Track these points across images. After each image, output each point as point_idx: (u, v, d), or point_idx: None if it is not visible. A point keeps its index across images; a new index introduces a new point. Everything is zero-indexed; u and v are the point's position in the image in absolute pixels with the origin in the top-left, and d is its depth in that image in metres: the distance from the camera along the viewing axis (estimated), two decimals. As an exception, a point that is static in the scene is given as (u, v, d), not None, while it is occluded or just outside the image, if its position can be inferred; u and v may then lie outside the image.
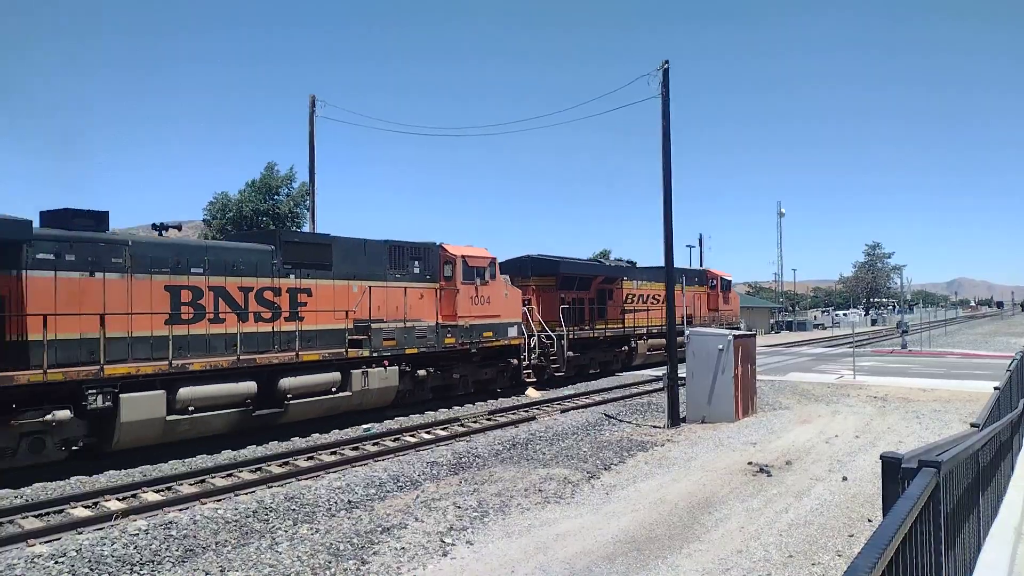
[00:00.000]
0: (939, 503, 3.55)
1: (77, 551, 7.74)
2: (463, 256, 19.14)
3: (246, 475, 11.38)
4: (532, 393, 20.65)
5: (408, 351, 16.96)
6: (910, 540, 2.86)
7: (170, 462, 12.31)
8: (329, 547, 7.88)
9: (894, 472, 3.76)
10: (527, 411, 17.61)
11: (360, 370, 15.72)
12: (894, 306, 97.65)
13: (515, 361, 20.79)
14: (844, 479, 10.46)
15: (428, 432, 14.96)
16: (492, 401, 19.47)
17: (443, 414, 17.37)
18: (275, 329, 14.65)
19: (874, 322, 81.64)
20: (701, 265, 51.02)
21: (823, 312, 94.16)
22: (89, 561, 7.50)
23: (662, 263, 17.45)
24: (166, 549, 7.95)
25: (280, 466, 11.99)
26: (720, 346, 15.91)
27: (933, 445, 4.83)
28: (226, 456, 12.82)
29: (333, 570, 7.29)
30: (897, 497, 3.24)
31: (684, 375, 16.73)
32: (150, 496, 10.17)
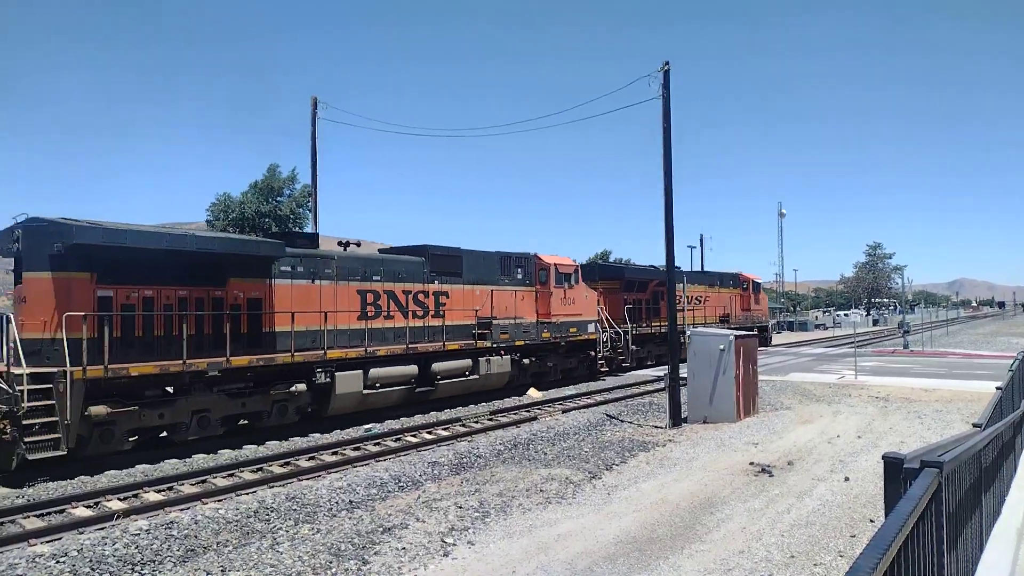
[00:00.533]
0: (941, 503, 3.54)
1: (78, 551, 7.74)
2: (555, 264, 22.56)
3: (247, 475, 11.39)
4: (533, 393, 20.65)
5: (517, 343, 20.76)
6: (912, 540, 2.86)
7: (171, 461, 12.33)
8: (330, 547, 7.89)
9: (896, 472, 3.76)
10: (528, 411, 17.60)
11: (485, 358, 19.36)
12: (895, 306, 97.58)
13: (592, 353, 24.13)
14: (846, 479, 10.45)
15: (430, 432, 14.96)
16: (499, 400, 19.51)
17: (446, 414, 17.37)
18: (425, 324, 18.23)
19: (875, 322, 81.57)
20: (702, 266, 51.19)
21: (824, 312, 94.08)
22: (90, 561, 7.50)
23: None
24: (167, 549, 7.95)
25: (281, 466, 12.00)
26: (721, 346, 15.90)
27: (935, 445, 4.82)
28: (227, 456, 12.83)
29: (334, 570, 7.29)
30: (899, 497, 3.23)
31: (685, 375, 16.72)
32: (151, 496, 10.17)
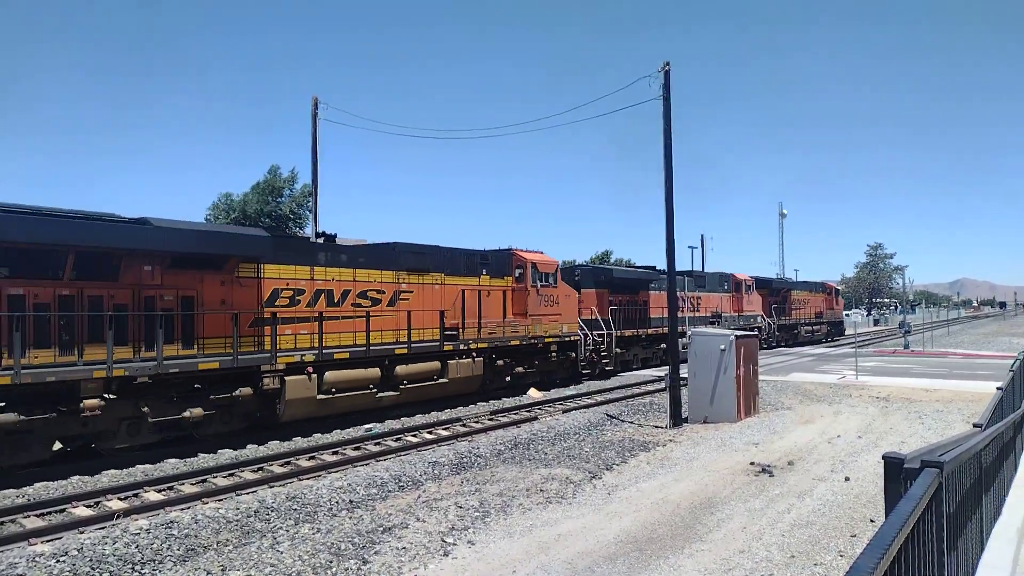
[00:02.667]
0: (941, 503, 3.54)
1: (79, 550, 7.74)
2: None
3: (247, 475, 11.38)
4: (534, 393, 20.64)
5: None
6: (912, 540, 2.86)
7: (171, 461, 12.33)
8: (330, 547, 7.89)
9: (896, 472, 3.75)
10: (529, 411, 17.59)
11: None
12: (896, 306, 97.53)
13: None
14: (846, 479, 10.44)
15: (430, 432, 14.96)
16: (494, 402, 19.49)
17: (446, 414, 17.37)
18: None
19: (876, 322, 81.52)
20: (703, 267, 51.31)
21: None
22: (91, 560, 7.50)
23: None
24: (167, 548, 7.95)
25: (282, 466, 12.00)
26: (722, 346, 15.89)
27: (936, 445, 4.82)
28: (227, 456, 12.83)
29: (334, 569, 7.29)
30: (899, 497, 3.23)
31: (686, 375, 16.71)
32: (151, 496, 10.17)
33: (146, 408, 12.26)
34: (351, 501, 9.85)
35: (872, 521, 8.36)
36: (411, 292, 17.68)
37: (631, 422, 16.30)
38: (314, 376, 14.59)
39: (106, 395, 11.78)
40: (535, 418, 16.62)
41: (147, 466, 12.01)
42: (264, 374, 13.74)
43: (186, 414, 12.72)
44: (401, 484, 10.76)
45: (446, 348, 17.90)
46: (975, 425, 6.51)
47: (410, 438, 14.31)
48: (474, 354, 18.72)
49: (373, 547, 7.90)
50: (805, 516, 8.74)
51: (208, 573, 7.27)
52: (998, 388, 8.70)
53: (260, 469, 11.73)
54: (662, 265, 21.39)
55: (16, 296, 11.17)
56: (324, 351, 14.85)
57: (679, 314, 26.82)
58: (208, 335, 13.43)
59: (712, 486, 10.25)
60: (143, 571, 7.41)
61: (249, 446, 13.62)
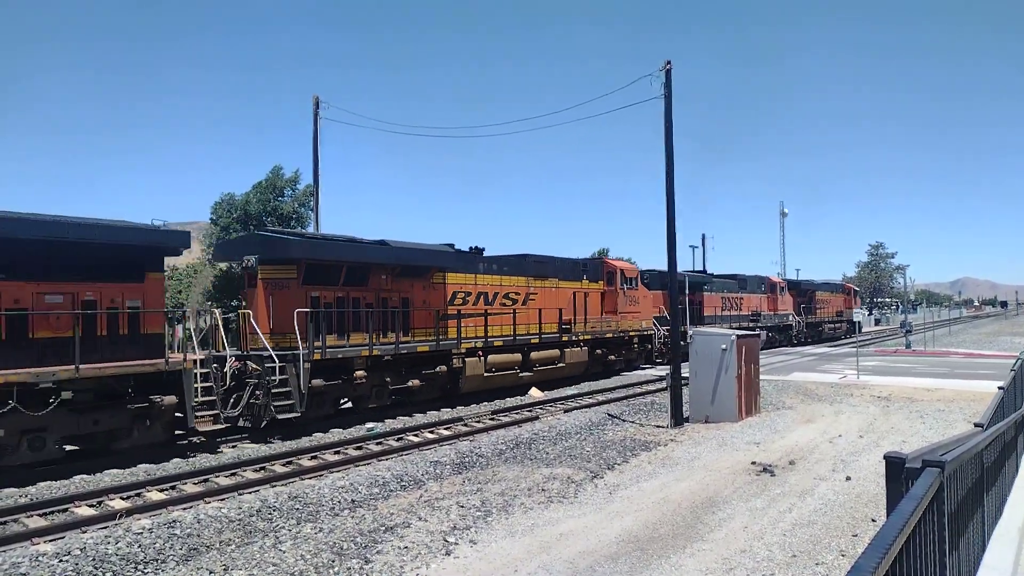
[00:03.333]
0: (943, 503, 3.54)
1: (81, 550, 7.76)
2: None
3: (250, 474, 11.40)
4: (535, 393, 20.66)
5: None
6: (914, 540, 2.86)
7: (174, 461, 12.35)
8: (332, 546, 7.90)
9: (898, 472, 3.76)
10: (530, 410, 17.61)
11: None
12: (898, 306, 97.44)
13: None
14: (848, 479, 10.45)
15: (432, 431, 14.97)
16: (498, 401, 19.53)
17: (446, 414, 17.39)
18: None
19: (877, 322, 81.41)
20: (704, 267, 51.41)
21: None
22: (93, 560, 7.52)
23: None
24: (170, 548, 7.96)
25: (284, 465, 12.01)
26: (723, 346, 15.89)
27: (937, 445, 4.82)
28: (229, 455, 12.85)
29: (336, 569, 7.31)
30: (901, 497, 3.24)
31: (687, 375, 16.72)
32: (154, 495, 10.19)
33: (388, 378, 16.80)
34: (353, 500, 9.86)
35: (873, 520, 8.37)
36: (536, 294, 22.32)
37: (632, 422, 16.31)
38: (482, 358, 19.28)
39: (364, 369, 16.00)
40: (536, 418, 16.63)
41: (149, 465, 12.03)
42: (453, 356, 18.39)
43: (410, 383, 17.36)
44: (403, 483, 10.77)
45: (563, 339, 22.62)
46: (976, 425, 6.51)
47: (412, 437, 14.33)
48: (582, 344, 23.52)
49: (375, 546, 7.91)
50: (806, 515, 8.74)
51: (211, 572, 7.28)
52: (999, 388, 8.70)
53: (262, 468, 11.75)
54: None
55: (315, 297, 15.76)
56: (488, 339, 19.57)
57: (725, 312, 35.95)
58: (417, 326, 18.07)
59: (713, 485, 10.26)
60: (146, 571, 7.43)
61: (250, 446, 13.64)
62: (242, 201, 35.90)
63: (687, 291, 31.20)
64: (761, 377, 18.07)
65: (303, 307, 15.10)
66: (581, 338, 23.51)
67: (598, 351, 24.68)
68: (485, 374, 19.28)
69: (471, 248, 20.89)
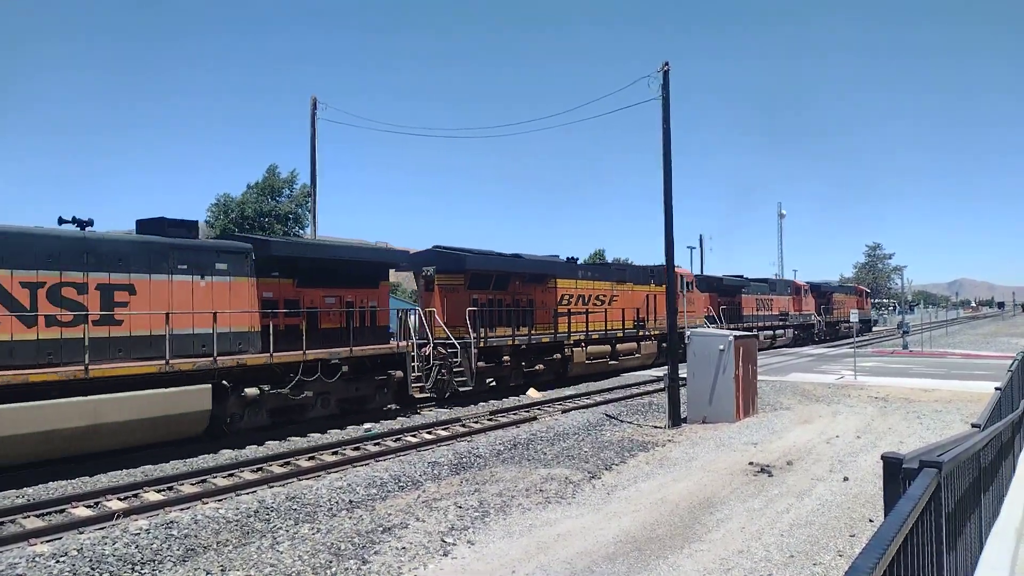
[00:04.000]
0: (940, 503, 3.55)
1: (78, 550, 7.74)
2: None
3: (247, 475, 11.39)
4: (533, 393, 20.67)
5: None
6: (911, 540, 2.87)
7: (171, 462, 12.33)
8: (330, 547, 7.89)
9: (895, 472, 3.77)
10: (528, 411, 17.61)
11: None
12: (895, 307, 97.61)
13: None
14: (845, 479, 10.46)
15: (429, 432, 14.97)
16: (494, 402, 19.53)
17: (444, 414, 17.39)
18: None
19: (875, 322, 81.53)
20: (702, 268, 51.52)
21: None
22: (90, 560, 7.51)
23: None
24: (167, 548, 7.95)
25: (281, 466, 12.00)
26: (721, 346, 15.91)
27: (934, 445, 4.83)
28: (227, 456, 12.83)
29: (334, 569, 7.30)
30: (898, 497, 3.24)
31: (685, 375, 16.72)
32: (151, 496, 10.18)
33: (523, 363, 21.49)
34: (351, 501, 9.86)
35: (871, 521, 8.38)
36: (618, 296, 26.99)
37: (630, 422, 16.31)
38: (584, 348, 23.86)
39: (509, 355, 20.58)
40: (534, 418, 16.64)
41: (147, 466, 12.01)
42: (564, 346, 22.97)
43: (537, 367, 21.79)
44: (401, 484, 10.77)
45: (639, 333, 27.41)
46: (974, 425, 6.52)
47: (409, 438, 14.32)
48: (653, 338, 27.94)
49: (373, 547, 7.90)
50: (804, 516, 8.75)
51: (208, 573, 7.27)
52: (996, 388, 8.72)
53: (260, 469, 11.74)
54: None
55: (475, 299, 20.35)
56: (588, 333, 24.28)
57: (759, 312, 40.13)
58: (538, 322, 22.63)
59: (711, 486, 10.27)
60: (143, 571, 7.42)
61: (248, 446, 13.62)
62: (239, 202, 35.85)
63: (729, 294, 36.58)
64: (759, 378, 18.08)
65: (470, 307, 19.80)
66: (652, 333, 28.20)
67: (663, 344, 27.10)
68: (587, 361, 23.95)
69: (568, 258, 25.60)
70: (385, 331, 17.72)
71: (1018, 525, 6.36)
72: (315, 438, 14.51)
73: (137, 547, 7.90)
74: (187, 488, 10.61)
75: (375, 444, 13.74)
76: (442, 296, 19.89)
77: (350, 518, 9.00)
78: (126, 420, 11.65)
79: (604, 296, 26.23)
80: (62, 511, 9.47)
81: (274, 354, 14.07)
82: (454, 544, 7.96)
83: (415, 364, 17.60)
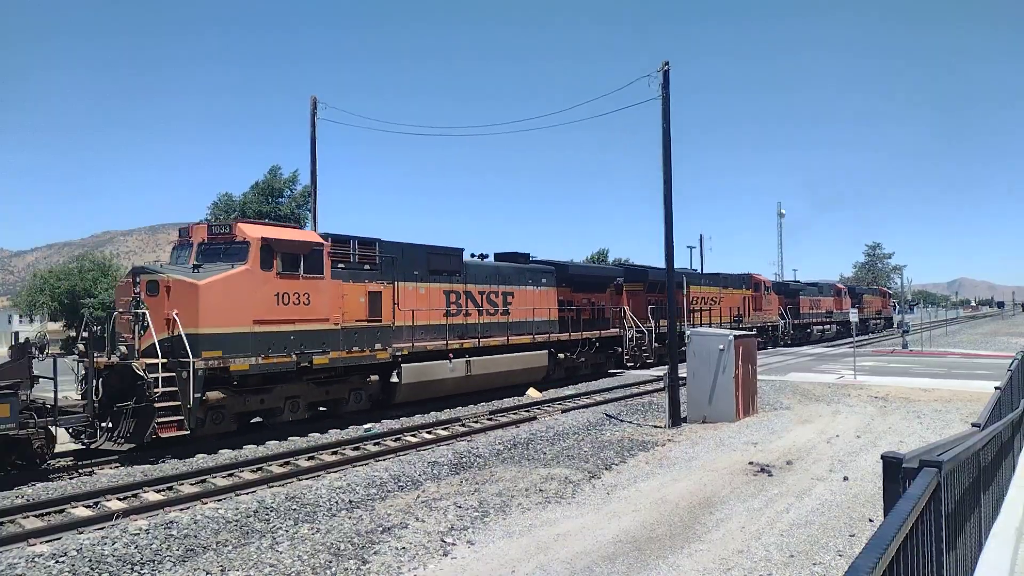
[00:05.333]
0: (940, 503, 3.54)
1: (78, 551, 7.74)
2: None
3: (247, 475, 11.39)
4: (533, 393, 20.67)
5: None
6: (911, 540, 2.86)
7: (171, 462, 12.32)
8: (330, 547, 7.89)
9: (895, 472, 3.76)
10: (528, 411, 17.60)
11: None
12: (895, 306, 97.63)
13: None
14: (845, 479, 10.45)
15: (429, 432, 14.97)
16: (496, 402, 19.54)
17: (445, 414, 17.38)
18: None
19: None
20: (701, 267, 51.76)
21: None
22: (90, 560, 7.50)
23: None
24: (167, 549, 7.95)
25: (281, 466, 12.00)
26: (720, 346, 15.90)
27: (934, 445, 4.83)
28: (226, 456, 12.82)
29: (334, 569, 7.29)
30: (898, 497, 3.24)
31: (685, 375, 16.72)
32: (151, 496, 10.17)
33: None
34: (350, 501, 9.85)
35: (871, 521, 8.37)
36: (723, 298, 35.02)
37: (630, 422, 16.31)
38: None
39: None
40: (534, 418, 16.63)
41: (146, 466, 12.01)
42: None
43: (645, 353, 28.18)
44: (400, 484, 10.76)
45: (739, 325, 33.89)
46: (973, 425, 6.52)
47: (409, 438, 14.32)
48: (753, 329, 32.85)
49: (372, 547, 7.90)
50: (804, 516, 8.75)
51: (207, 573, 7.26)
52: (996, 388, 8.71)
53: (259, 469, 11.74)
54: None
55: (649, 300, 28.19)
56: (710, 323, 31.95)
57: (811, 311, 48.00)
58: (679, 318, 25.52)
59: (711, 486, 10.26)
60: (142, 571, 7.41)
61: (247, 446, 13.62)
62: (240, 203, 35.88)
63: (792, 296, 44.82)
64: (759, 377, 18.08)
65: (651, 305, 28.18)
66: (752, 325, 35.77)
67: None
68: None
69: (682, 269, 32.16)
70: (608, 321, 26.50)
71: (1018, 525, 6.35)
72: (315, 437, 14.51)
73: (136, 547, 7.90)
74: (186, 488, 10.60)
75: (375, 444, 13.74)
76: (629, 298, 28.25)
77: (350, 518, 9.00)
78: (519, 368, 21.00)
79: (715, 298, 34.59)
80: (61, 511, 9.47)
81: (571, 333, 23.50)
82: (454, 544, 7.96)
83: (626, 343, 26.78)
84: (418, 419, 16.68)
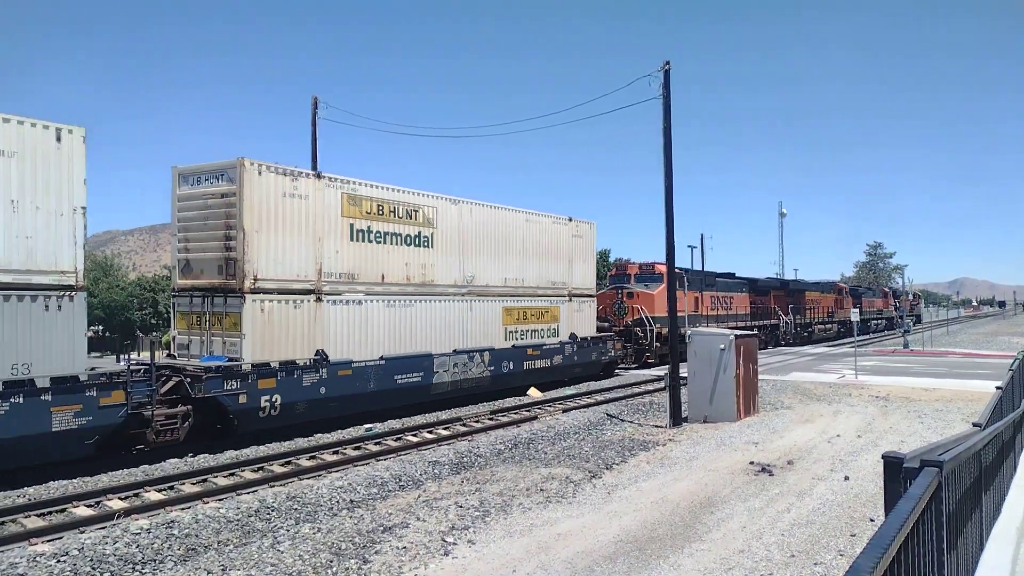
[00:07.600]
0: (941, 503, 3.55)
1: (79, 550, 7.75)
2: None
3: (248, 474, 11.40)
4: (534, 393, 20.67)
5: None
6: (912, 540, 2.86)
7: (171, 461, 12.34)
8: (331, 546, 7.89)
9: (896, 472, 3.76)
10: (529, 410, 17.61)
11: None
12: (895, 306, 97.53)
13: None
14: (846, 479, 10.45)
15: (430, 431, 14.98)
16: (497, 401, 19.54)
17: (445, 414, 17.39)
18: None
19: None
20: (703, 266, 51.80)
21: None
22: (91, 560, 7.51)
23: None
24: (168, 548, 7.96)
25: (282, 465, 12.01)
26: (722, 346, 15.90)
27: (935, 445, 4.83)
28: (228, 455, 12.84)
29: (335, 569, 7.30)
30: (899, 497, 3.24)
31: (686, 375, 16.72)
32: (152, 495, 10.19)
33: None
34: (351, 500, 9.86)
35: (872, 520, 8.38)
36: (822, 300, 48.43)
37: (631, 422, 16.31)
38: (815, 327, 47.67)
39: None
40: (535, 418, 16.64)
41: (147, 466, 12.02)
42: (813, 324, 46.74)
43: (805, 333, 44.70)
44: (401, 483, 10.77)
45: (832, 320, 49.66)
46: (975, 424, 6.52)
47: (410, 438, 14.33)
48: (836, 323, 49.13)
49: (373, 546, 7.90)
50: (805, 515, 8.75)
51: (209, 573, 7.27)
52: (997, 387, 8.71)
53: (261, 469, 11.75)
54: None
55: (753, 301, 39.78)
56: (815, 320, 47.97)
57: (866, 309, 56.73)
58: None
59: (712, 485, 10.27)
60: (144, 571, 7.42)
61: (250, 446, 13.63)
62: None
63: (855, 296, 55.12)
64: (759, 377, 18.08)
65: (791, 304, 42.16)
66: (836, 320, 49.48)
67: (841, 328, 50.46)
68: (821, 333, 45.10)
69: (793, 280, 45.57)
70: (771, 313, 39.82)
71: (1019, 524, 6.35)
72: (317, 437, 14.52)
73: (138, 547, 7.91)
74: (188, 487, 10.61)
75: (376, 443, 13.75)
76: (750, 299, 38.32)
77: (351, 517, 9.00)
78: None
79: (817, 301, 48.04)
80: (63, 510, 9.48)
81: (753, 321, 36.04)
82: (455, 543, 7.96)
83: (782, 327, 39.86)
84: (419, 419, 16.69)
